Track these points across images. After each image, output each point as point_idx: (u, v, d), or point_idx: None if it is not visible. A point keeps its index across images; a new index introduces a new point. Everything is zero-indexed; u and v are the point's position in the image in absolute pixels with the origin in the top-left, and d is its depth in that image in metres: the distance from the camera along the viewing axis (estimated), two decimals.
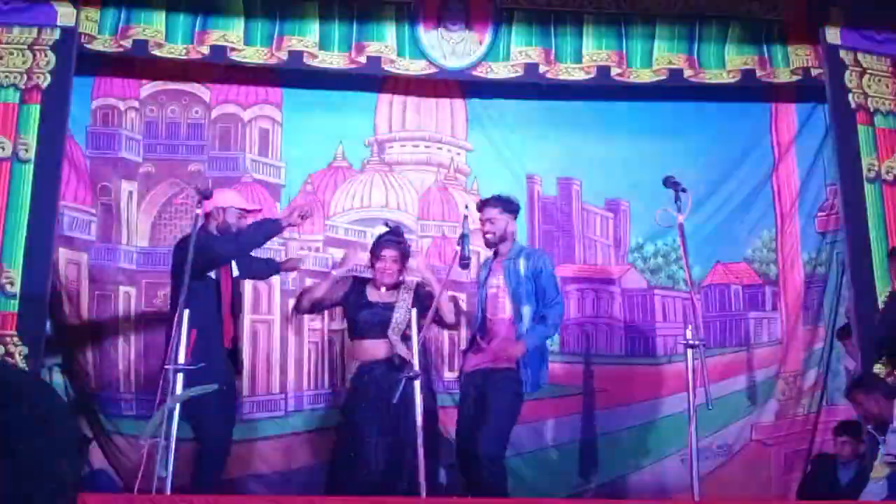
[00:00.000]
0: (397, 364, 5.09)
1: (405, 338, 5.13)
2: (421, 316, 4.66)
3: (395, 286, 5.44)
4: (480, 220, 5.28)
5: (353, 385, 5.33)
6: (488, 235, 5.25)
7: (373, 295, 5.44)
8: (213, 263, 4.93)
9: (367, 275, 5.65)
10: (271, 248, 6.00)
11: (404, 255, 5.50)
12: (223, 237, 5.06)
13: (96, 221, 6.04)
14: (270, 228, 5.13)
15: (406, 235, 5.83)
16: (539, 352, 5.14)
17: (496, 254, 5.29)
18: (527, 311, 5.08)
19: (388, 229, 5.57)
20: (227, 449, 5.02)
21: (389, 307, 5.33)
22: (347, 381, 5.47)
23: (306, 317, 6.05)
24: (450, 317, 5.43)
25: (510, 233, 5.26)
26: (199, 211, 4.68)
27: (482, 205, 5.31)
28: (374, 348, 5.31)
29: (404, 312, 5.19)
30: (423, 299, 5.27)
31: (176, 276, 4.80)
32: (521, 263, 5.16)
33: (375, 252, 5.48)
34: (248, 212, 5.28)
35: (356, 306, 5.42)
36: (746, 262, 6.58)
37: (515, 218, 5.33)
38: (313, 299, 5.55)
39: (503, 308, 5.17)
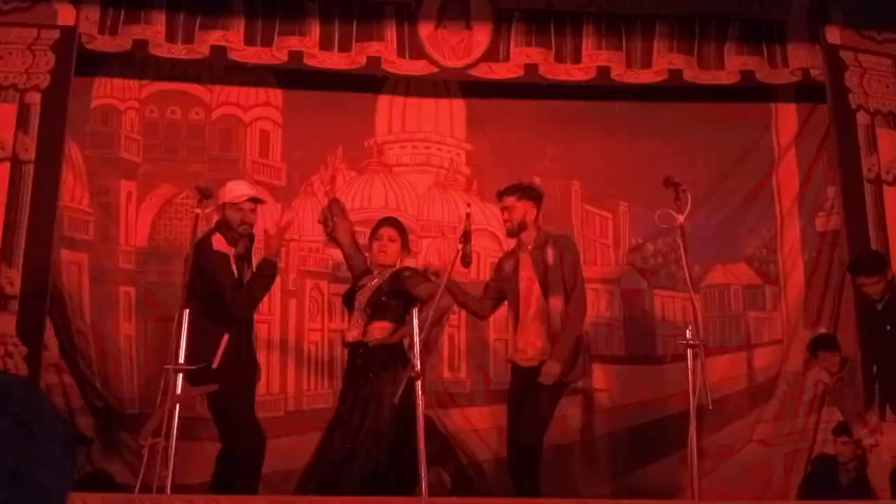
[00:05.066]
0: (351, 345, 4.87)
1: (375, 315, 4.86)
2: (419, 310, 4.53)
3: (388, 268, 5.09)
4: (501, 209, 5.11)
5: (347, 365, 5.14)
6: (507, 224, 5.06)
7: (363, 278, 5.10)
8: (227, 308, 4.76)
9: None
10: None
11: (403, 236, 5.13)
12: (235, 289, 4.78)
13: (94, 222, 6.03)
14: (269, 269, 4.90)
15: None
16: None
17: (520, 244, 5.05)
18: (555, 302, 4.86)
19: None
20: (259, 449, 4.88)
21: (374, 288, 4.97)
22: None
23: (306, 317, 6.04)
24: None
25: (530, 220, 4.99)
26: (198, 211, 4.66)
27: (500, 194, 5.10)
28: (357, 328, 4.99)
29: (369, 292, 4.89)
30: (401, 282, 4.90)
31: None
32: (549, 252, 4.93)
33: (374, 233, 5.15)
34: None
35: (353, 287, 5.12)
36: (746, 263, 6.58)
37: (538, 205, 5.05)
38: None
39: (537, 300, 4.93)
